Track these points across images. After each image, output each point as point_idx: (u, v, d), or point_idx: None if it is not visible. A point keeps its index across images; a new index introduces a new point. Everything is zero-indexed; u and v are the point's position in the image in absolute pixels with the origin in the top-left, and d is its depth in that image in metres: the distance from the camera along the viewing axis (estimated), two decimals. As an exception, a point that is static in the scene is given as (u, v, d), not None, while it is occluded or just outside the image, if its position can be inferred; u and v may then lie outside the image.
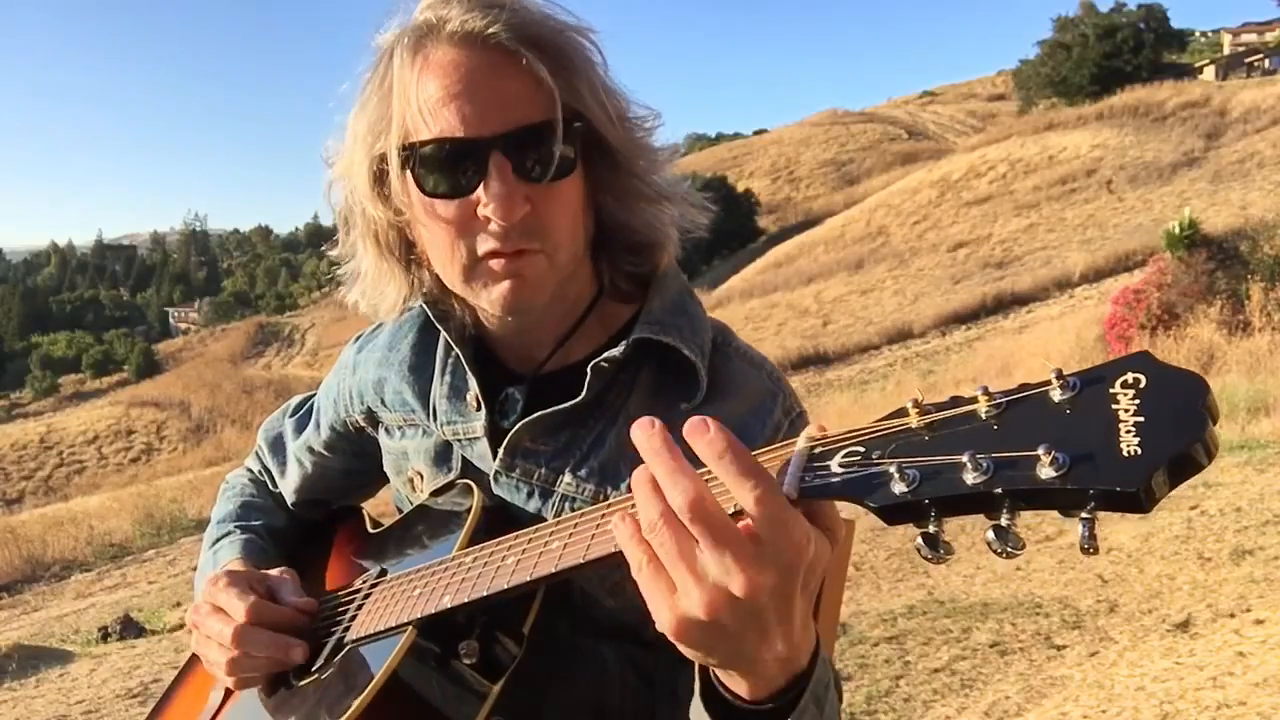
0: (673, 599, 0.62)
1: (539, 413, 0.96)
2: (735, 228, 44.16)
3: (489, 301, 0.93)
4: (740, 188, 51.04)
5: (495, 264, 0.90)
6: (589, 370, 0.94)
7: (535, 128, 0.85)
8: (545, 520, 0.94)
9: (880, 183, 45.52)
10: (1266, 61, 49.61)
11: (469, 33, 0.85)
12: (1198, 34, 78.14)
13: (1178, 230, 12.12)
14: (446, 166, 0.87)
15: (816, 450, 0.63)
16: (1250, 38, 66.97)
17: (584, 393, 0.94)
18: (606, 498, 0.94)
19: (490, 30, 0.84)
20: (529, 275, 0.91)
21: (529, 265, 0.90)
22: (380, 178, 0.93)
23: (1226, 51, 59.82)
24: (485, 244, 0.89)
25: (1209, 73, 48.11)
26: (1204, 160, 29.13)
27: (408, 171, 0.89)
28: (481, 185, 0.86)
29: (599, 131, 0.89)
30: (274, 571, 1.03)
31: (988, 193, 32.56)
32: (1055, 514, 0.53)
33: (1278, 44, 53.98)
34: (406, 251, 0.99)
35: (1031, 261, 24.37)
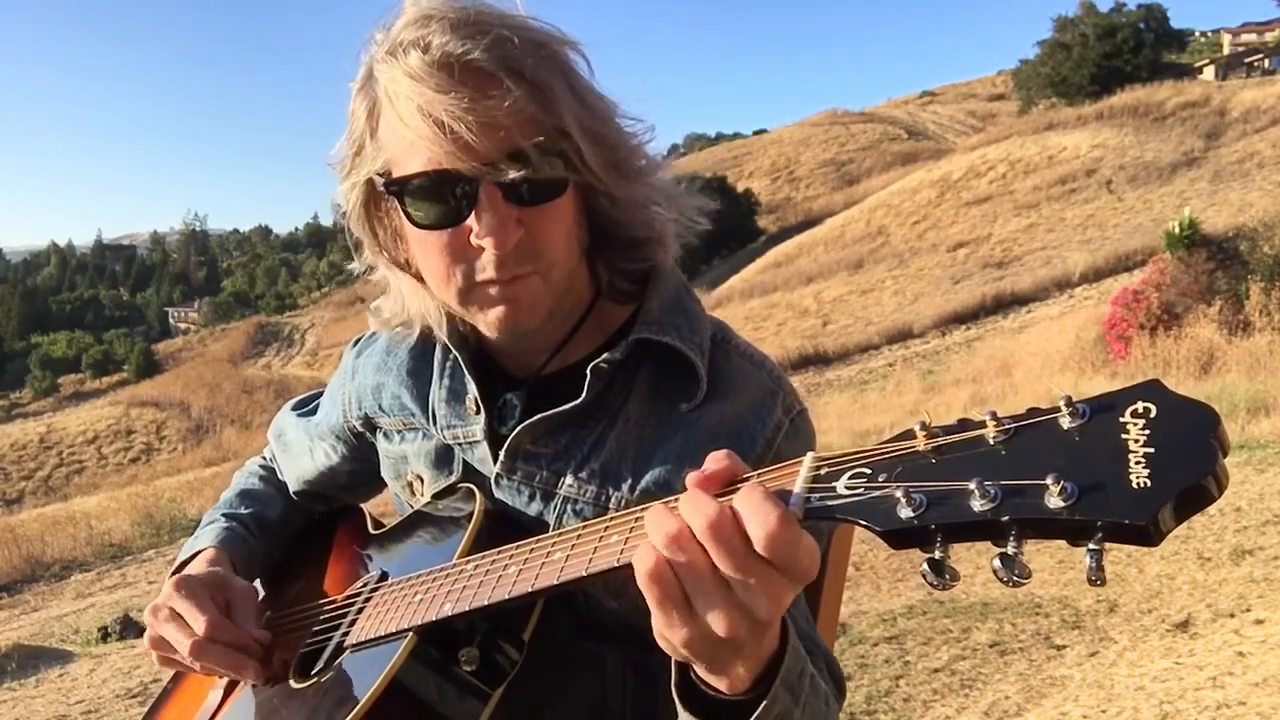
0: (690, 617, 0.64)
1: (539, 415, 0.96)
2: (735, 228, 44.16)
3: (486, 324, 0.94)
4: (740, 188, 51.02)
5: (491, 290, 0.90)
6: (588, 372, 0.94)
7: (523, 152, 0.84)
8: (546, 523, 0.94)
9: (880, 183, 45.50)
10: (1266, 61, 49.61)
11: (449, 55, 0.83)
12: (1197, 34, 78.09)
13: (1177, 230, 12.13)
14: (436, 198, 0.87)
15: (823, 470, 0.63)
16: (1250, 38, 67.01)
17: (584, 394, 0.94)
18: (608, 499, 0.94)
19: (471, 57, 0.83)
20: (525, 298, 0.91)
21: (524, 288, 0.90)
22: (374, 199, 0.94)
23: (1226, 51, 59.80)
24: (481, 272, 0.89)
25: (1209, 73, 48.09)
26: (1204, 160, 29.14)
27: (396, 203, 0.89)
28: (473, 214, 0.86)
29: (584, 149, 0.88)
30: (237, 584, 1.05)
31: (988, 193, 32.55)
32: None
33: (1278, 44, 53.96)
34: (409, 266, 0.99)
35: (1031, 261, 24.37)
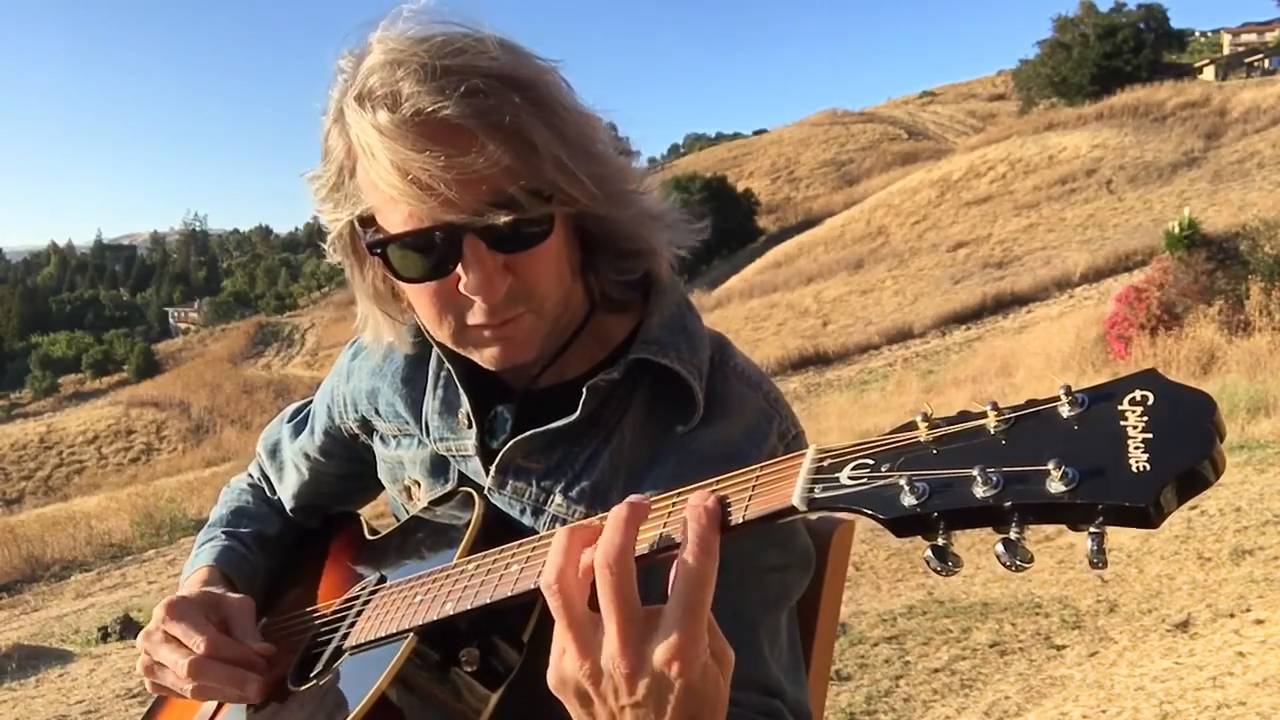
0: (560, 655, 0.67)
1: (532, 431, 0.95)
2: (735, 228, 44.16)
3: (481, 360, 0.93)
4: (740, 188, 51.04)
5: (484, 332, 0.90)
6: (584, 390, 0.93)
7: (507, 198, 0.83)
8: None
9: (880, 183, 45.52)
10: (1266, 61, 49.61)
11: (420, 112, 0.80)
12: (1198, 34, 78.18)
13: (1178, 230, 12.13)
14: (421, 253, 0.86)
15: (826, 462, 0.63)
16: (1250, 38, 67.05)
17: (578, 411, 0.93)
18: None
19: (445, 113, 0.80)
20: (518, 336, 0.90)
21: (517, 327, 0.90)
22: (358, 238, 0.93)
23: (1226, 51, 59.82)
24: (471, 318, 0.89)
25: (1209, 73, 48.09)
26: (1204, 160, 29.15)
27: (379, 258, 0.89)
28: (459, 266, 0.85)
29: (568, 185, 0.86)
30: (232, 599, 1.02)
31: (988, 193, 32.57)
32: None
33: (1278, 44, 53.97)
34: (402, 303, 1.00)
35: (1031, 261, 24.37)
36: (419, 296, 0.90)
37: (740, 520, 0.65)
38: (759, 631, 0.92)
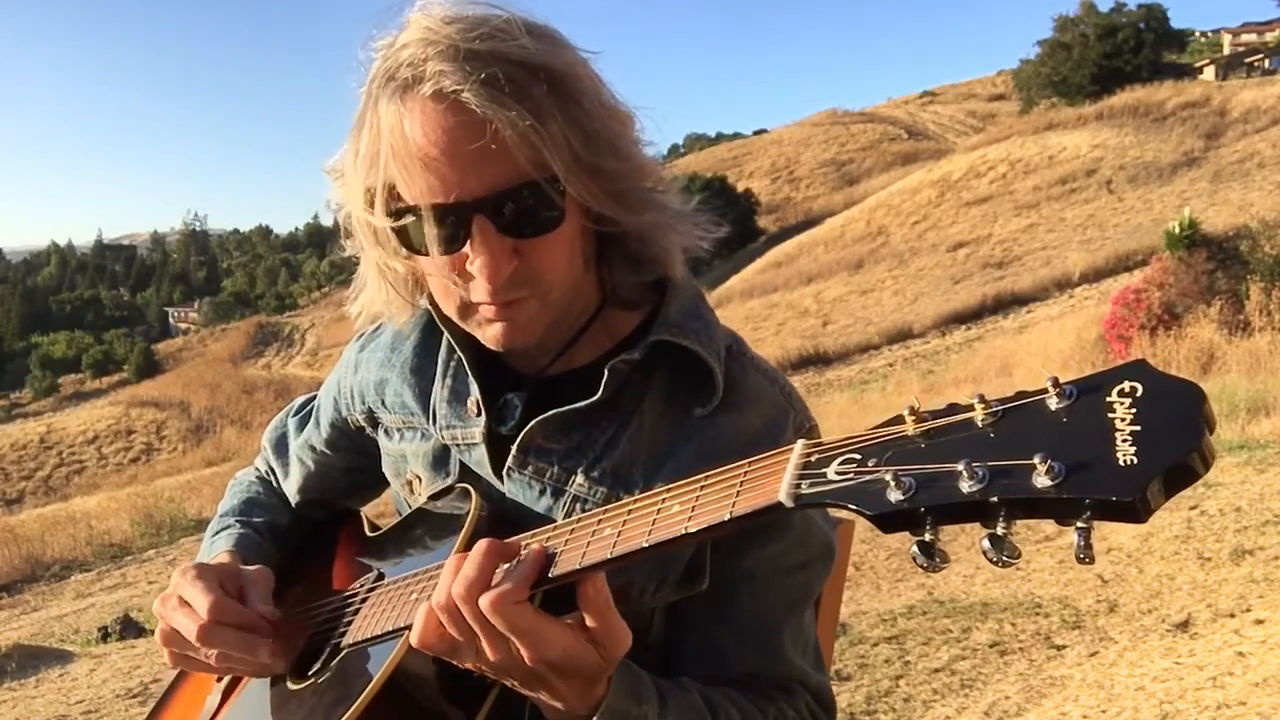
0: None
1: (554, 411, 0.96)
2: (735, 228, 44.14)
3: (484, 339, 0.94)
4: (740, 188, 51.07)
5: (487, 310, 0.91)
6: (606, 371, 0.93)
7: (513, 191, 0.84)
8: (554, 520, 0.93)
9: (880, 183, 45.56)
10: (1266, 61, 49.60)
11: (441, 91, 0.82)
12: (1198, 34, 78.11)
13: (1178, 230, 12.14)
14: (431, 228, 0.87)
15: (813, 457, 0.63)
16: (1250, 38, 67.04)
17: (600, 392, 0.93)
18: (618, 501, 0.93)
19: (463, 96, 0.81)
20: (520, 319, 0.91)
21: (520, 310, 0.91)
22: (372, 209, 0.93)
23: (1226, 51, 59.80)
24: (476, 295, 0.90)
25: (1209, 73, 48.07)
26: (1204, 160, 29.15)
27: (391, 230, 0.90)
28: (467, 244, 0.86)
29: (581, 186, 0.86)
30: (250, 569, 1.02)
31: (988, 193, 32.57)
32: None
33: (1278, 44, 53.98)
34: (409, 280, 1.00)
35: (1031, 261, 24.38)
36: (428, 269, 0.92)
37: (728, 517, 0.64)
38: (782, 635, 0.95)
